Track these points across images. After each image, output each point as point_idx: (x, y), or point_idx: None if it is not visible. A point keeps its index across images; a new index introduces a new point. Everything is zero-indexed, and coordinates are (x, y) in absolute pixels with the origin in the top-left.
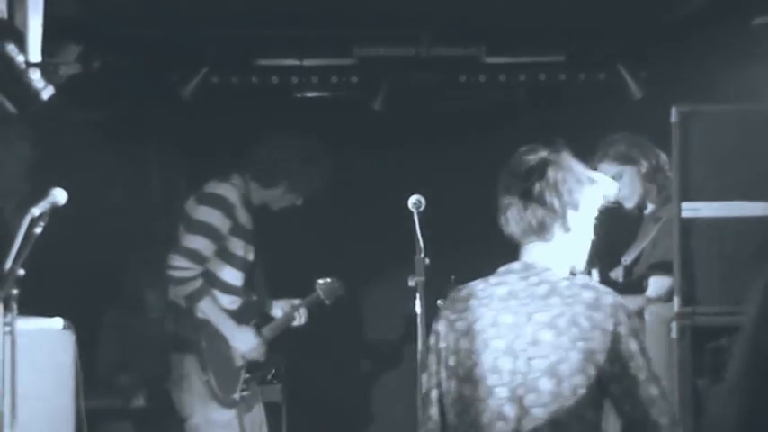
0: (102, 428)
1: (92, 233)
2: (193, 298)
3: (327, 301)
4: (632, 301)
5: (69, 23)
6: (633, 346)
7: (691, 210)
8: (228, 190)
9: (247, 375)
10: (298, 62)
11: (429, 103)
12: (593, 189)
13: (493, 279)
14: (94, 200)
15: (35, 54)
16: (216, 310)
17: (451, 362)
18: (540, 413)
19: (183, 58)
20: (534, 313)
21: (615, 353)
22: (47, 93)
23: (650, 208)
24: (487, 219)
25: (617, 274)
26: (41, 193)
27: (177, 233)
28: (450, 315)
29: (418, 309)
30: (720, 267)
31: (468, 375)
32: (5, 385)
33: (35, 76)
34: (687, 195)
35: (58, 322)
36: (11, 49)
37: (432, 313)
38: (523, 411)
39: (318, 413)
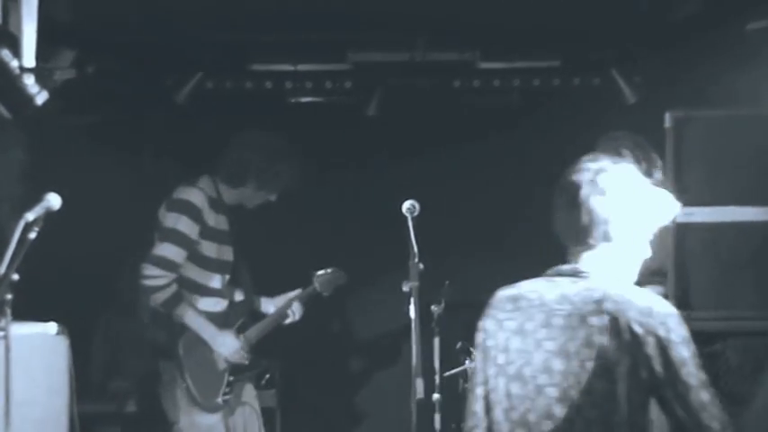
0: None
1: (86, 238)
2: (169, 305)
3: (326, 293)
4: None
5: (63, 28)
6: (685, 352)
7: (685, 215)
8: (194, 194)
9: (231, 378)
10: (292, 67)
11: (423, 109)
12: (648, 204)
13: (542, 280)
14: (88, 205)
15: (29, 59)
16: (194, 315)
17: (501, 360)
18: (591, 415)
19: (177, 63)
20: (587, 317)
21: (667, 359)
22: (41, 98)
23: None
24: (482, 224)
25: None
26: (35, 198)
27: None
28: (499, 314)
29: (412, 314)
30: (715, 272)
31: (517, 374)
32: None
33: (29, 80)
34: (681, 200)
35: (51, 327)
36: (5, 54)
37: (426, 318)
38: (574, 412)
39: (312, 418)
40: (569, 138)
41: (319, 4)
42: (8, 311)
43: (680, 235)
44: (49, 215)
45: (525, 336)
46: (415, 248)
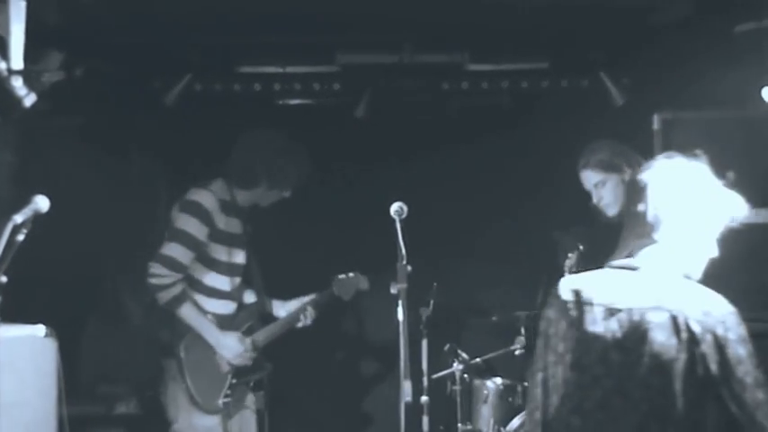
0: None
1: (74, 240)
2: (173, 304)
3: (346, 298)
4: None
5: (52, 30)
6: (742, 351)
7: None
8: (205, 196)
9: (234, 381)
10: (280, 69)
11: (412, 111)
12: (715, 203)
13: (606, 272)
14: (77, 207)
15: (17, 61)
16: (197, 316)
17: (560, 348)
18: (645, 408)
19: (165, 65)
20: (646, 312)
21: (724, 357)
22: (29, 100)
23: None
24: (470, 226)
25: None
26: (24, 200)
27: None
28: (561, 304)
29: (400, 316)
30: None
31: (576, 363)
32: None
33: (17, 83)
34: None
35: (40, 330)
36: None
37: (414, 320)
38: (629, 404)
39: (301, 420)
40: (558, 139)
41: (308, 6)
42: None
43: None
44: (38, 217)
45: (584, 327)
46: (403, 250)
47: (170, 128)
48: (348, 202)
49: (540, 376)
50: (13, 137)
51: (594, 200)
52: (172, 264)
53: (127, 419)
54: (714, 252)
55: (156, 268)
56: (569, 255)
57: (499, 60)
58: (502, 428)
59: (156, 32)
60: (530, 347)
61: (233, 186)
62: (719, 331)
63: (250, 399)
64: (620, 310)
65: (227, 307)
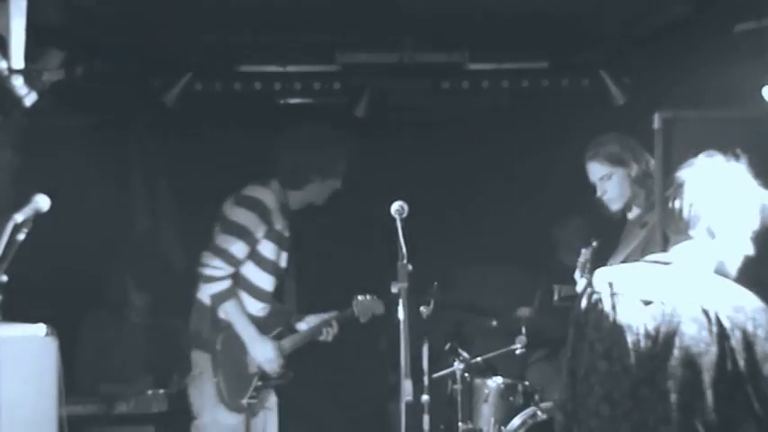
0: None
1: (75, 239)
2: (219, 298)
3: (363, 319)
4: None
5: (52, 29)
6: None
7: None
8: (266, 194)
9: (259, 383)
10: (281, 68)
11: (412, 110)
12: (752, 203)
13: (640, 265)
14: (77, 206)
15: (18, 60)
16: (240, 314)
17: (591, 337)
18: (674, 399)
19: (166, 65)
20: (679, 304)
21: (751, 354)
22: (30, 99)
23: (635, 212)
24: (470, 225)
25: None
26: (24, 200)
27: (212, 233)
28: (594, 294)
29: (401, 315)
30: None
31: (606, 353)
32: None
33: (18, 82)
34: None
35: (40, 329)
36: None
37: (414, 319)
38: (657, 395)
39: (301, 419)
40: (558, 138)
41: (308, 6)
42: None
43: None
44: (38, 216)
45: (616, 317)
46: (404, 250)
47: (170, 127)
48: (348, 201)
49: (570, 364)
50: (14, 136)
51: (599, 193)
52: (226, 256)
53: (128, 418)
54: (749, 250)
55: (209, 259)
56: (582, 250)
57: (499, 59)
58: (502, 428)
59: (156, 32)
60: (530, 347)
61: (286, 188)
62: (749, 328)
63: (272, 400)
64: (652, 303)
65: (263, 310)
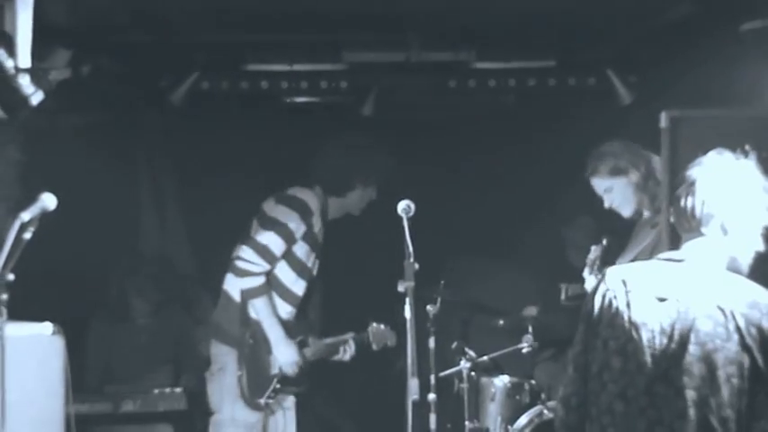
0: None
1: (81, 238)
2: (250, 294)
3: (375, 347)
4: None
5: (59, 28)
6: None
7: None
8: (310, 196)
9: (278, 386)
10: (287, 67)
11: (418, 108)
12: (762, 200)
13: (653, 263)
14: (84, 205)
15: (24, 59)
16: (269, 313)
17: (604, 333)
18: (690, 395)
19: (172, 64)
20: (693, 301)
21: (766, 349)
22: (36, 98)
23: (646, 214)
24: (477, 224)
25: None
26: (31, 198)
27: (249, 228)
28: (608, 290)
29: (407, 314)
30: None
31: (620, 349)
32: None
33: (24, 81)
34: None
35: (47, 327)
36: (0, 54)
37: (421, 318)
38: (673, 392)
39: (307, 418)
40: (565, 137)
41: (315, 4)
42: (3, 311)
43: (676, 235)
44: (45, 215)
45: (630, 314)
46: (411, 248)
47: (177, 126)
48: None
49: (580, 361)
50: (20, 135)
51: (606, 204)
52: (264, 252)
53: (133, 418)
54: (760, 246)
55: (246, 253)
56: (592, 247)
57: (506, 58)
58: (509, 426)
59: (162, 31)
60: (537, 345)
61: (327, 195)
62: (764, 324)
63: (290, 399)
64: (666, 300)
65: (289, 314)
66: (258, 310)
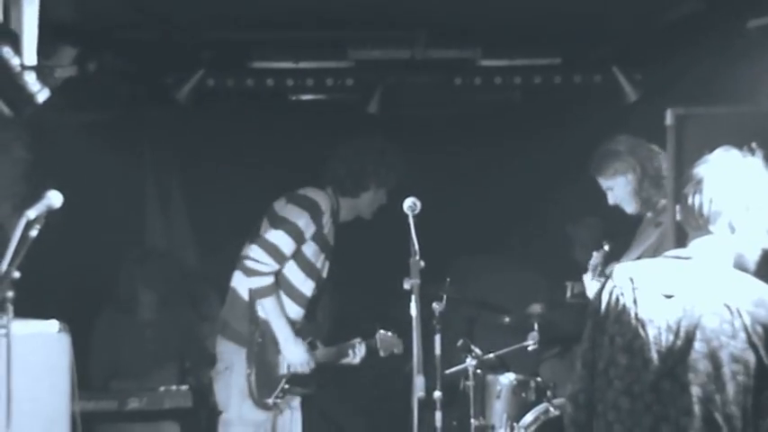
0: (97, 431)
1: (87, 235)
2: (260, 293)
3: (383, 353)
4: None
5: (65, 26)
6: None
7: None
8: (322, 197)
9: (287, 386)
10: (293, 65)
11: (424, 106)
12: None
13: (660, 261)
14: (90, 202)
15: (30, 57)
16: (278, 312)
17: (611, 330)
18: (696, 392)
19: (178, 61)
20: (699, 299)
21: None
22: (42, 95)
23: (650, 213)
24: (483, 221)
25: None
26: (37, 196)
27: (259, 226)
28: (615, 287)
29: (413, 311)
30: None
31: (626, 346)
32: (1, 388)
33: (30, 78)
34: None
35: (53, 325)
36: (6, 51)
37: (427, 316)
38: (678, 388)
39: (313, 415)
40: (570, 135)
41: (320, 2)
42: (10, 309)
43: (681, 233)
44: (51, 213)
45: (637, 311)
46: (416, 246)
47: (182, 123)
48: None
49: (588, 357)
50: (26, 132)
51: (611, 201)
52: (273, 251)
53: (139, 415)
54: (767, 244)
55: (255, 252)
56: (594, 253)
57: (512, 56)
58: (515, 424)
59: (168, 28)
60: (543, 343)
61: (339, 196)
62: None
63: (297, 399)
64: (673, 297)
65: (297, 314)
66: (267, 309)
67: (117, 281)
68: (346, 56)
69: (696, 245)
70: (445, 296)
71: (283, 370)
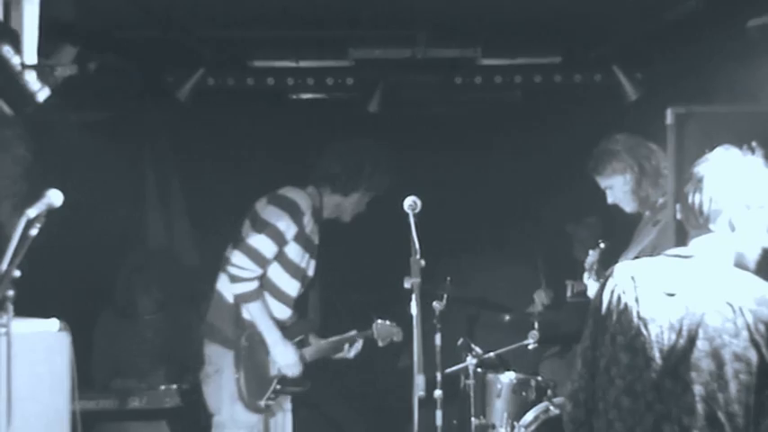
0: (98, 430)
1: (87, 234)
2: (244, 298)
3: (381, 343)
4: None
5: (65, 25)
6: None
7: None
8: (301, 197)
9: (278, 387)
10: (293, 64)
11: (425, 105)
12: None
13: (661, 259)
14: (90, 201)
15: (31, 56)
16: (264, 316)
17: (612, 329)
18: (698, 391)
19: (178, 60)
20: (701, 297)
21: None
22: (42, 94)
23: (648, 212)
24: (483, 220)
25: None
26: (37, 195)
27: (241, 227)
28: (616, 286)
29: (413, 310)
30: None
31: (629, 344)
32: (1, 387)
33: (31, 77)
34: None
35: (53, 324)
36: (6, 50)
37: (427, 315)
38: (680, 387)
39: (313, 415)
40: (571, 134)
41: (321, 1)
42: (10, 308)
43: (681, 232)
44: (51, 212)
45: (639, 310)
46: (417, 245)
47: (183, 122)
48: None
49: (588, 355)
50: (27, 131)
51: (609, 200)
52: (256, 256)
53: (139, 414)
54: (767, 242)
55: (238, 258)
56: (590, 252)
57: (512, 55)
58: (515, 423)
59: (168, 27)
60: (543, 342)
61: (325, 195)
62: None
63: (288, 401)
64: (675, 295)
65: (285, 314)
66: (253, 313)
67: (118, 280)
68: (347, 55)
69: (697, 243)
70: (446, 295)
71: (274, 371)
